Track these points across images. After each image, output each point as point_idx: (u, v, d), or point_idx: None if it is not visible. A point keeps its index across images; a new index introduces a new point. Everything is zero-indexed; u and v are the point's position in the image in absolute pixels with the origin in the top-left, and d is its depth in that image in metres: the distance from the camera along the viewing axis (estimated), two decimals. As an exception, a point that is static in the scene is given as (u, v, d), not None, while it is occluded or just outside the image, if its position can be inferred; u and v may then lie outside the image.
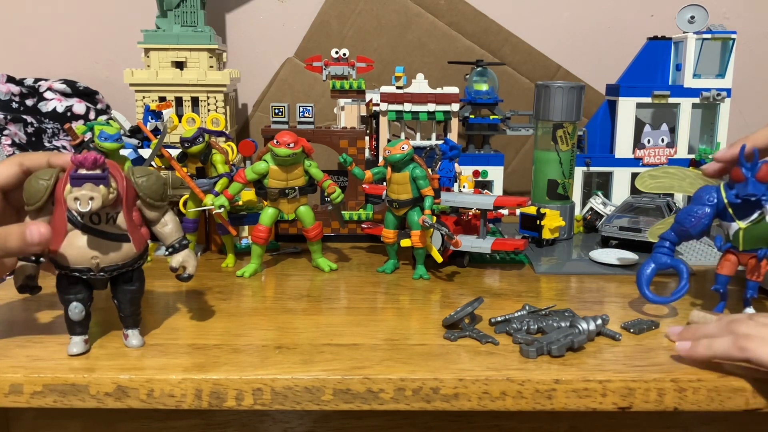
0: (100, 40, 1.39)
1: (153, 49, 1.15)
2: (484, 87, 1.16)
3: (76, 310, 0.59)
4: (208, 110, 1.15)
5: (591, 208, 1.08)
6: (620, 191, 1.13)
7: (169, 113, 1.01)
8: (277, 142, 0.82)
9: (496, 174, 1.13)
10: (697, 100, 1.12)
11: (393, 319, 0.70)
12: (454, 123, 1.05)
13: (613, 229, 0.96)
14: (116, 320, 0.63)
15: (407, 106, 1.03)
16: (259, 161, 0.84)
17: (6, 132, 1.21)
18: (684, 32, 1.12)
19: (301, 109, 0.97)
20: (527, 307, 0.70)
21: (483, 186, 1.11)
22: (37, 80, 1.28)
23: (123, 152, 0.88)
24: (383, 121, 1.04)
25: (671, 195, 1.06)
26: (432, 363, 0.59)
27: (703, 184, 0.72)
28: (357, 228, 1.00)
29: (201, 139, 0.88)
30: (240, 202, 0.94)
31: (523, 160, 1.38)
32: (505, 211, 1.01)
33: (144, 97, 1.15)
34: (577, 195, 1.12)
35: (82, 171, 0.56)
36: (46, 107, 1.25)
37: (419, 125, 1.09)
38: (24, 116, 1.24)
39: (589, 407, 0.56)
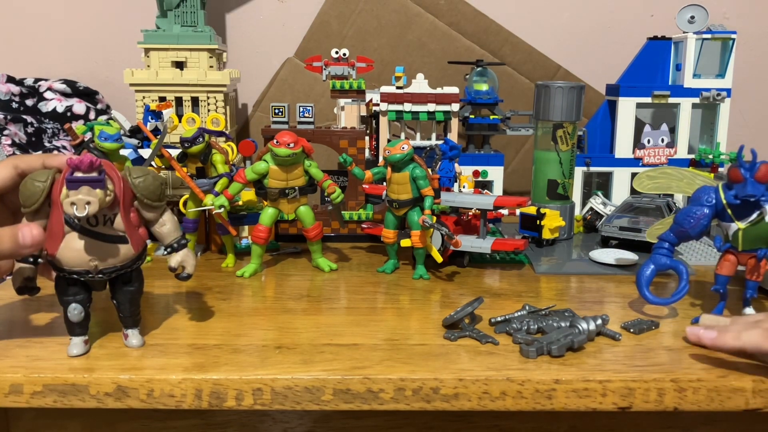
0: (100, 40, 1.39)
1: (153, 49, 1.15)
2: (484, 87, 1.16)
3: (75, 311, 0.59)
4: (208, 110, 1.15)
5: (591, 208, 1.08)
6: (620, 191, 1.13)
7: (169, 113, 1.01)
8: (277, 142, 0.82)
9: (496, 174, 1.13)
10: (697, 100, 1.12)
11: (393, 319, 0.70)
12: (454, 123, 1.05)
13: (613, 229, 0.96)
14: (116, 320, 0.63)
15: (407, 106, 1.03)
16: (259, 161, 0.84)
17: (6, 132, 1.21)
18: (684, 32, 1.12)
19: (301, 109, 0.97)
20: (527, 307, 0.70)
21: (483, 186, 1.11)
22: (37, 80, 1.28)
23: (123, 152, 0.88)
24: (383, 121, 1.04)
25: (671, 195, 1.06)
26: (432, 363, 0.59)
27: (701, 185, 0.72)
28: (357, 228, 1.00)
29: (201, 139, 0.88)
30: (240, 202, 0.94)
31: (523, 160, 1.38)
32: (505, 211, 1.01)
33: (144, 97, 1.15)
34: (577, 195, 1.12)
35: (79, 174, 0.56)
36: (46, 107, 1.25)
37: (419, 125, 1.09)
38: (24, 116, 1.24)
39: (589, 407, 0.56)
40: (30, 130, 1.23)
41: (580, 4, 1.40)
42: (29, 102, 1.26)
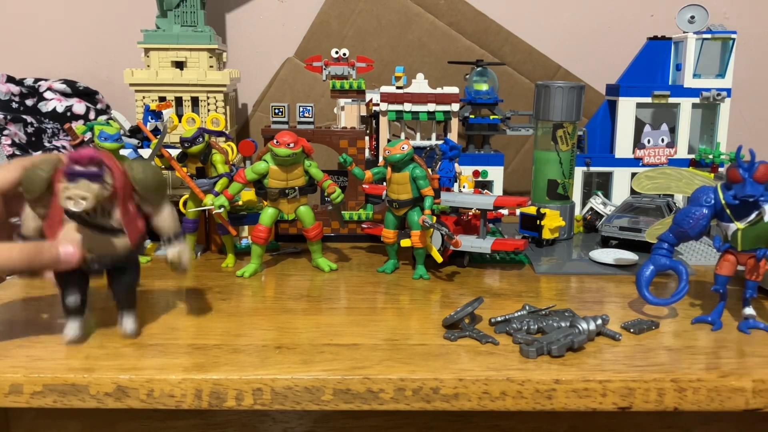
0: (100, 40, 1.39)
1: (153, 49, 1.15)
2: (484, 87, 1.16)
3: (72, 298, 0.60)
4: (208, 110, 1.15)
5: (591, 208, 1.08)
6: (620, 191, 1.13)
7: (169, 113, 1.01)
8: (277, 142, 0.82)
9: (496, 174, 1.13)
10: (697, 100, 1.12)
11: (393, 319, 0.70)
12: (454, 123, 1.05)
13: (613, 229, 0.96)
14: (116, 320, 0.63)
15: (407, 106, 1.03)
16: (259, 161, 0.84)
17: (6, 132, 1.21)
18: (684, 32, 1.12)
19: (301, 109, 0.97)
20: (527, 307, 0.70)
21: (483, 186, 1.11)
22: (37, 80, 1.27)
23: (123, 152, 0.88)
24: (383, 121, 1.04)
25: (671, 195, 1.06)
26: (432, 363, 0.59)
27: (700, 185, 0.72)
28: (357, 228, 1.00)
29: (201, 139, 0.88)
30: (240, 202, 0.94)
31: (523, 160, 1.38)
32: (505, 211, 1.01)
33: (144, 97, 1.15)
34: (577, 195, 1.12)
35: (78, 167, 0.56)
36: (46, 107, 1.25)
37: (419, 125, 1.09)
38: (24, 116, 1.24)
39: (589, 407, 0.56)
40: (30, 130, 1.23)
41: (580, 4, 1.40)
42: (29, 102, 1.26)
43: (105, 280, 0.64)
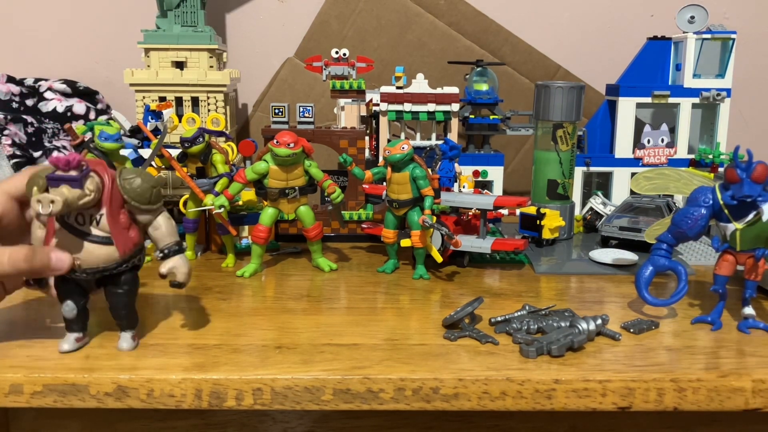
0: (100, 40, 1.39)
1: (153, 49, 1.15)
2: (484, 87, 1.16)
3: (67, 308, 0.60)
4: (208, 110, 1.15)
5: (591, 208, 1.08)
6: (620, 191, 1.13)
7: (169, 113, 1.01)
8: (277, 142, 0.82)
9: (496, 174, 1.13)
10: (697, 100, 1.12)
11: (393, 319, 0.70)
12: (454, 123, 1.05)
13: (613, 229, 0.96)
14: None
15: (407, 106, 1.03)
16: (259, 161, 0.84)
17: (6, 132, 1.21)
18: (684, 32, 1.12)
19: (301, 109, 0.97)
20: (527, 307, 0.70)
21: (483, 186, 1.11)
22: (37, 80, 1.28)
23: (123, 152, 0.88)
24: (383, 121, 1.04)
25: (671, 195, 1.06)
26: (432, 363, 0.59)
27: (698, 185, 0.72)
28: (357, 228, 1.00)
29: (201, 139, 0.88)
30: (240, 202, 0.94)
31: (523, 160, 1.38)
32: (505, 211, 1.01)
33: (144, 97, 1.15)
34: (577, 195, 1.12)
35: (57, 172, 0.55)
36: (46, 107, 1.25)
37: (419, 125, 1.09)
38: (24, 116, 1.24)
39: (589, 407, 0.56)
40: (30, 130, 1.23)
41: (580, 4, 1.40)
42: (29, 102, 1.26)
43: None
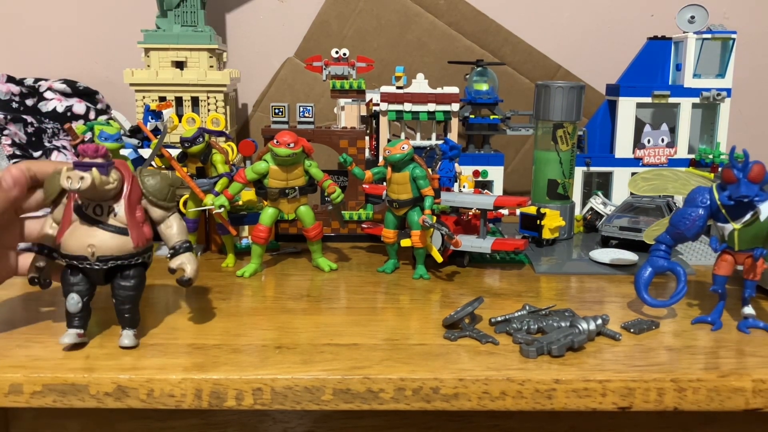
0: (100, 40, 1.39)
1: (153, 49, 1.15)
2: (484, 87, 1.16)
3: (72, 300, 0.60)
4: (208, 110, 1.15)
5: (591, 208, 1.08)
6: (620, 191, 1.13)
7: (169, 113, 1.01)
8: (277, 142, 0.82)
9: (496, 174, 1.13)
10: (697, 100, 1.12)
11: (393, 319, 0.70)
12: (454, 123, 1.05)
13: (613, 229, 0.96)
14: (116, 320, 0.63)
15: (407, 106, 1.03)
16: (259, 161, 0.84)
17: (6, 132, 1.21)
18: (684, 32, 1.12)
19: (301, 109, 0.97)
20: (527, 307, 0.70)
21: (483, 186, 1.11)
22: (37, 80, 1.27)
23: (123, 152, 0.88)
24: (383, 121, 1.04)
25: (671, 195, 1.06)
26: (432, 363, 0.59)
27: (696, 185, 0.72)
28: (357, 228, 1.00)
29: (201, 139, 0.88)
30: (240, 202, 0.94)
31: (523, 160, 1.38)
32: (505, 211, 1.01)
33: (144, 97, 1.15)
34: (577, 195, 1.12)
35: (86, 158, 0.58)
36: (46, 107, 1.25)
37: (419, 125, 1.09)
38: (24, 116, 1.24)
39: (589, 407, 0.56)
40: (30, 130, 1.23)
41: (580, 4, 1.40)
42: (29, 102, 1.26)
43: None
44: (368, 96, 1.05)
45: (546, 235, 0.96)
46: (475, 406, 0.57)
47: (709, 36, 1.11)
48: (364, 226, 0.95)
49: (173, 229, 0.64)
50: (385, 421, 0.76)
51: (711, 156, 1.10)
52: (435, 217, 0.81)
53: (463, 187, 1.00)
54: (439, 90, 1.04)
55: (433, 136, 1.10)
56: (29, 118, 1.24)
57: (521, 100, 1.33)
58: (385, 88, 1.04)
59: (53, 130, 1.25)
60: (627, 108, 1.12)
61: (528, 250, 0.95)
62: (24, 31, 1.39)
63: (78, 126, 0.87)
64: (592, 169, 1.13)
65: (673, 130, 1.13)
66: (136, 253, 0.62)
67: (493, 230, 1.03)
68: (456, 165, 0.97)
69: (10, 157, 1.17)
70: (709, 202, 0.68)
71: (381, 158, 0.95)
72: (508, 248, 0.85)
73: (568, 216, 1.03)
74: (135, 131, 1.01)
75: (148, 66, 1.15)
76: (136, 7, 1.33)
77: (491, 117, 1.15)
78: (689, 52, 1.11)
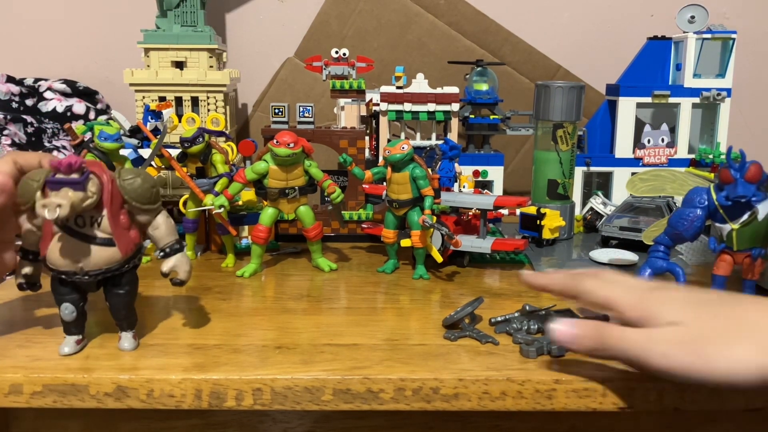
0: (100, 40, 1.39)
1: (153, 49, 1.15)
2: (484, 87, 1.16)
3: (66, 311, 0.59)
4: (208, 110, 1.15)
5: (591, 208, 1.08)
6: (620, 191, 1.13)
7: (169, 113, 1.01)
8: (277, 142, 0.82)
9: (496, 174, 1.13)
10: (697, 100, 1.12)
11: (393, 319, 0.70)
12: (454, 123, 1.05)
13: (613, 229, 0.96)
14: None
15: (407, 106, 1.03)
16: (259, 161, 0.84)
17: (6, 132, 1.21)
18: (684, 32, 1.12)
19: (301, 109, 0.97)
20: (527, 307, 0.70)
21: (483, 186, 1.11)
22: (37, 80, 1.28)
23: (123, 152, 0.88)
24: (383, 121, 1.04)
25: (670, 195, 1.06)
26: (432, 363, 0.59)
27: (693, 186, 0.72)
28: (357, 228, 1.00)
29: (201, 139, 0.88)
30: (240, 202, 0.94)
31: (523, 160, 1.38)
32: (505, 211, 1.01)
33: (144, 97, 1.15)
34: (577, 195, 1.12)
35: (60, 176, 0.55)
36: (46, 107, 1.25)
37: (419, 125, 1.09)
38: (24, 116, 1.24)
39: (590, 407, 0.56)
40: (30, 130, 1.23)
41: (580, 4, 1.40)
42: (29, 102, 1.26)
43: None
44: (368, 96, 1.05)
45: (546, 235, 0.96)
46: (475, 407, 0.56)
47: (709, 36, 1.11)
48: (364, 226, 0.95)
49: (161, 230, 0.61)
50: (385, 421, 0.76)
51: (711, 156, 1.10)
52: (435, 217, 0.81)
53: (463, 187, 1.00)
54: (439, 90, 1.04)
55: (433, 136, 1.10)
56: (29, 118, 1.24)
57: (521, 100, 1.33)
58: (385, 88, 1.04)
59: (53, 130, 1.25)
60: (627, 108, 1.12)
61: (528, 250, 0.95)
62: (24, 31, 1.39)
63: (78, 126, 0.87)
64: (592, 169, 1.13)
65: (673, 130, 1.13)
66: (125, 261, 0.59)
67: (493, 230, 1.03)
68: (456, 165, 0.97)
69: (10, 157, 1.17)
70: (706, 203, 0.68)
71: (381, 158, 0.95)
72: (508, 248, 0.85)
73: (568, 216, 1.03)
74: (135, 131, 1.01)
75: (148, 66, 1.15)
76: (136, 7, 1.33)
77: (491, 117, 1.15)
78: (689, 52, 1.11)
